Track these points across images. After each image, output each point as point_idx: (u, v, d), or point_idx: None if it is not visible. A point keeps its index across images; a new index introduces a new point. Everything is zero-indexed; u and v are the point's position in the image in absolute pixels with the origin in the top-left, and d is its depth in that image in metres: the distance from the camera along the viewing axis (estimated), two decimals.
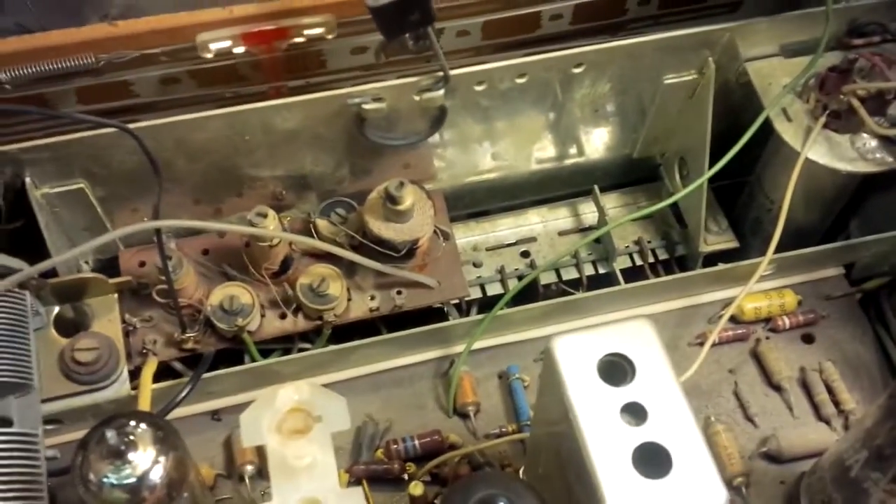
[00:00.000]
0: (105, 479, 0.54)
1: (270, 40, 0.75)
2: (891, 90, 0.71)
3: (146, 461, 0.55)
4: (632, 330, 0.54)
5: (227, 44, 0.74)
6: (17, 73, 0.72)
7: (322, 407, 0.55)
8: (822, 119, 0.73)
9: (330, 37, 0.75)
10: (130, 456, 0.54)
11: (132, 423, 0.56)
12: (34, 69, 0.72)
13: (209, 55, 0.74)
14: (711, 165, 0.76)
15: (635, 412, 0.51)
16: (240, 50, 0.75)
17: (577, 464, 0.51)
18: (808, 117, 0.75)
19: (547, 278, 0.86)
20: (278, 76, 0.79)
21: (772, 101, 0.75)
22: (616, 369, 0.53)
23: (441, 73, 0.71)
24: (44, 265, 0.67)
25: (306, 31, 0.74)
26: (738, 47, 0.77)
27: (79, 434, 0.71)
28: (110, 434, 0.53)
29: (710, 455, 0.49)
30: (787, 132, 0.75)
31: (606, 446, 0.50)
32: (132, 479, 0.54)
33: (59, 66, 0.72)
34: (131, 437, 0.55)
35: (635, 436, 0.50)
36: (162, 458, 0.55)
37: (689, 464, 0.49)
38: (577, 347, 0.53)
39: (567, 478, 0.55)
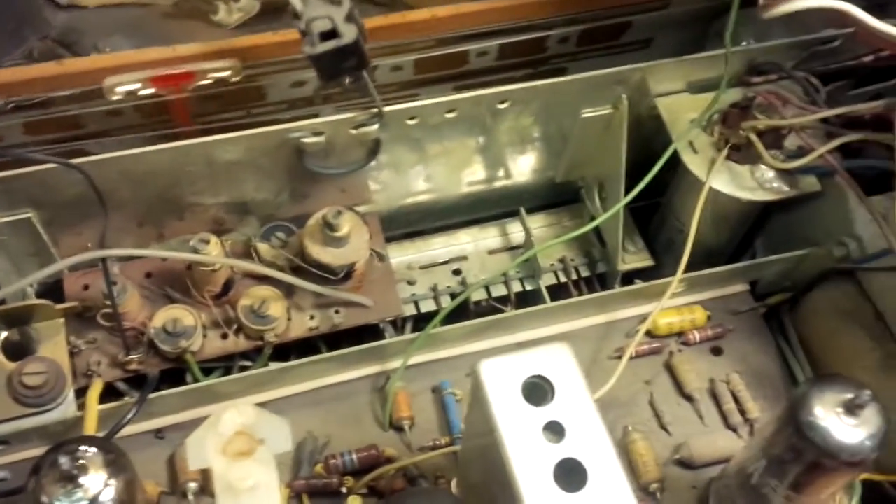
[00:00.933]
0: (58, 501, 0.57)
1: (178, 82, 0.78)
2: (785, 126, 0.78)
3: (97, 484, 0.58)
4: (552, 353, 0.59)
5: (135, 86, 0.77)
6: None
7: (265, 430, 0.59)
8: (725, 151, 0.80)
9: (236, 79, 0.78)
10: (82, 480, 0.57)
11: (82, 447, 0.59)
12: None
13: (116, 97, 0.76)
14: (627, 191, 0.82)
15: (555, 430, 0.56)
16: (147, 92, 0.78)
17: (503, 477, 0.55)
18: (713, 149, 0.81)
19: (477, 295, 0.91)
20: (186, 117, 0.82)
21: (680, 134, 0.81)
22: (538, 390, 0.57)
23: (376, 110, 0.75)
24: None
25: (212, 75, 0.77)
26: (649, 85, 0.83)
27: (25, 454, 0.76)
28: (63, 460, 0.56)
29: (623, 469, 0.54)
30: (693, 163, 0.81)
31: (529, 462, 0.54)
32: (84, 503, 0.57)
33: None
34: (82, 462, 0.58)
35: (555, 452, 0.55)
36: (112, 481, 0.58)
37: (604, 477, 0.54)
38: (501, 370, 0.58)
39: (493, 489, 0.60)
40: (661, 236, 0.91)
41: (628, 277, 0.90)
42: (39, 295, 0.82)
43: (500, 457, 0.55)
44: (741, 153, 0.80)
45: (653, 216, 0.93)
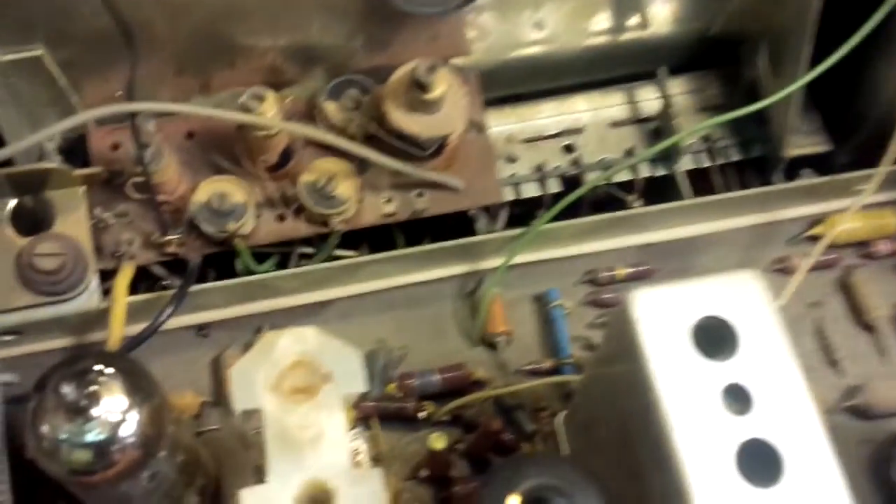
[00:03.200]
0: (63, 438, 0.44)
1: None
2: None
3: (113, 416, 0.45)
4: (736, 285, 0.42)
5: None
6: None
7: (331, 361, 0.44)
8: None
9: None
10: (94, 411, 0.45)
11: (95, 368, 0.45)
12: None
13: None
14: (815, 53, 0.62)
15: (738, 397, 0.40)
16: None
17: (658, 451, 0.40)
18: None
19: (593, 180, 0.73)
20: None
21: None
22: (712, 338, 0.41)
23: None
24: None
25: None
26: None
27: (41, 345, 0.63)
28: (67, 389, 0.43)
29: (839, 468, 0.38)
30: None
31: (700, 440, 0.39)
32: (99, 438, 0.45)
33: None
34: (94, 389, 0.45)
35: (738, 429, 0.39)
36: (133, 413, 0.46)
37: (807, 470, 0.38)
38: (663, 307, 0.41)
39: (633, 453, 0.44)
40: (846, 113, 0.70)
41: (793, 164, 0.71)
42: (64, 155, 0.68)
43: (657, 425, 0.39)
44: None
45: (829, 87, 0.72)
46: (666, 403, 0.39)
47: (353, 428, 0.61)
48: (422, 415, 0.62)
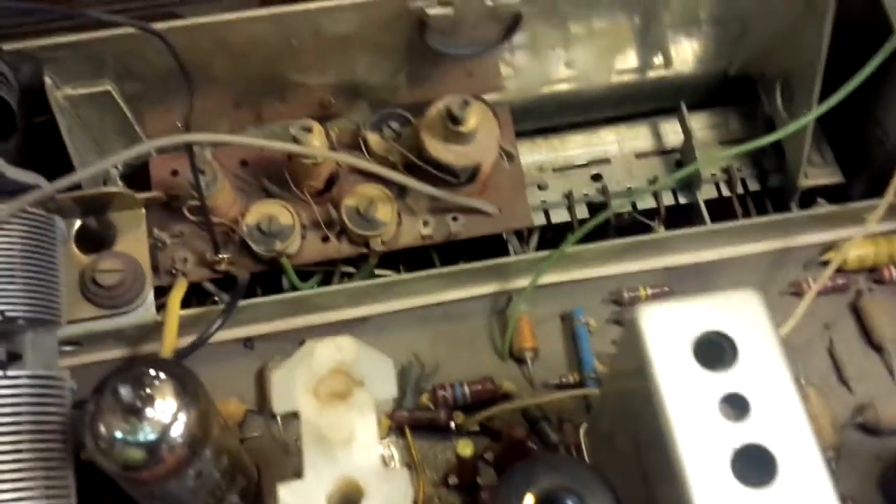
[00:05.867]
0: (118, 436, 0.48)
1: None
2: None
3: (165, 417, 0.49)
4: (735, 302, 0.45)
5: None
6: None
7: (366, 369, 0.48)
8: None
9: None
10: (148, 412, 0.48)
11: (150, 373, 0.49)
12: None
13: None
14: (823, 91, 0.66)
15: (736, 404, 0.43)
16: None
17: (662, 457, 0.43)
18: None
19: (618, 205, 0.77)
20: None
21: None
22: (714, 350, 0.45)
23: None
24: (65, 181, 0.61)
25: None
26: None
27: (98, 356, 0.68)
28: (125, 390, 0.47)
29: (827, 470, 0.41)
30: None
31: (701, 444, 0.42)
32: (151, 437, 0.48)
33: None
34: (148, 392, 0.48)
35: (735, 434, 0.42)
36: (183, 415, 0.49)
37: (799, 473, 0.41)
38: (668, 320, 0.45)
39: (643, 461, 0.48)
40: (853, 148, 0.74)
41: (808, 195, 0.74)
42: (126, 180, 0.72)
43: (662, 434, 0.43)
44: None
45: (839, 123, 0.76)
46: (669, 410, 0.43)
47: (387, 436, 0.66)
48: (452, 425, 0.65)
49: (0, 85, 0.60)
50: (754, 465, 0.42)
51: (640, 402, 0.46)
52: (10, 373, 0.54)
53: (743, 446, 0.42)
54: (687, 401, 0.43)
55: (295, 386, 0.48)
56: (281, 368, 0.48)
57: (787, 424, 0.42)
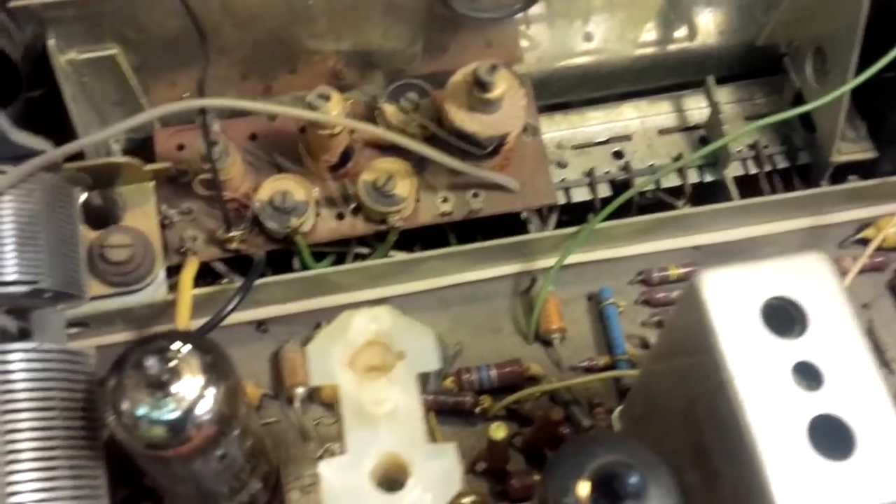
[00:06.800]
0: (142, 413, 0.45)
1: None
2: None
3: (192, 392, 0.45)
4: (803, 266, 0.43)
5: None
6: None
7: (405, 340, 0.45)
8: None
9: None
10: (174, 387, 0.45)
11: (175, 346, 0.46)
12: None
13: None
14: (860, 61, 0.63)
15: (808, 374, 0.41)
16: None
17: (728, 434, 0.41)
18: None
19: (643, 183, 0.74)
20: None
21: None
22: (781, 318, 0.42)
23: None
24: (72, 146, 0.58)
25: None
26: None
27: (106, 339, 0.64)
28: (151, 362, 0.44)
29: None
30: None
31: (773, 416, 0.39)
32: (175, 414, 0.45)
33: None
34: (175, 365, 0.45)
35: (809, 405, 0.40)
36: (211, 389, 0.46)
37: (879, 448, 0.39)
38: (732, 287, 0.42)
39: (702, 442, 0.45)
40: (888, 121, 0.71)
41: (838, 172, 0.72)
42: (126, 154, 0.69)
43: (728, 406, 0.40)
44: None
45: (870, 94, 0.73)
46: (737, 382, 0.40)
47: None
48: (479, 409, 0.62)
49: (2, 35, 0.57)
50: (829, 437, 0.39)
51: (699, 378, 0.43)
52: (40, 346, 0.51)
53: (817, 417, 0.39)
54: (757, 371, 0.40)
55: (331, 358, 0.44)
56: (316, 340, 0.45)
57: (863, 395, 0.40)
